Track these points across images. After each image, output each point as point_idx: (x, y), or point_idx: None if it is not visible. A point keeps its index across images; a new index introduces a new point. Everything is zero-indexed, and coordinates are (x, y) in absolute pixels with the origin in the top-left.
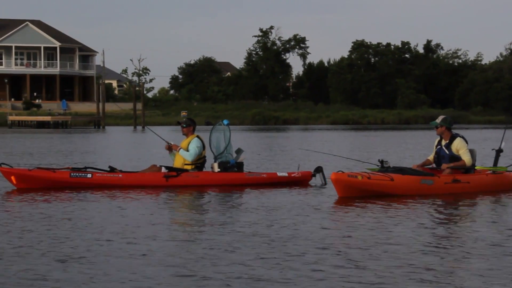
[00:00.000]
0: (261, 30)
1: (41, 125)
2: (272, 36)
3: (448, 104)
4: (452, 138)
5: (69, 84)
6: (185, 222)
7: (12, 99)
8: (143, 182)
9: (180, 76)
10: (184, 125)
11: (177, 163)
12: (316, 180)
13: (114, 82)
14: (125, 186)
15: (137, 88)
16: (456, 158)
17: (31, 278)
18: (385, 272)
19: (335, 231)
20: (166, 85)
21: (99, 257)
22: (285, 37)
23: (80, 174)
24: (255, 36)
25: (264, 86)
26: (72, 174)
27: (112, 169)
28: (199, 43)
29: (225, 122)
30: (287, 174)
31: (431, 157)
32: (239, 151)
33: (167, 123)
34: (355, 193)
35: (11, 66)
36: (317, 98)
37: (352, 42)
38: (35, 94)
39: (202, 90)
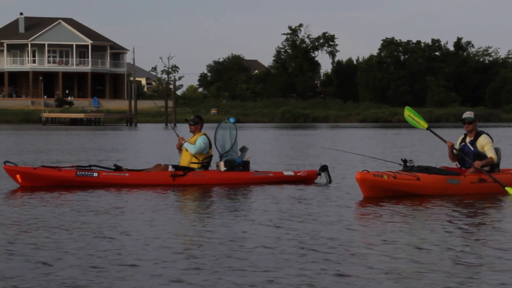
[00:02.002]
0: (290, 28)
1: (74, 122)
2: (301, 34)
3: (479, 102)
4: (477, 134)
5: (100, 82)
6: (197, 220)
7: (45, 96)
8: (150, 181)
9: (209, 74)
10: (192, 123)
11: (183, 161)
12: (322, 178)
13: (143, 80)
14: (132, 185)
15: (169, 86)
16: (481, 155)
17: (42, 273)
18: (413, 277)
19: (362, 233)
20: (195, 82)
21: (110, 253)
22: (314, 35)
23: (86, 173)
24: (284, 34)
25: (293, 83)
26: (78, 173)
27: (118, 168)
28: (227, 40)
29: (232, 120)
30: (293, 173)
31: None
32: (243, 149)
33: None
34: (380, 193)
35: (44, 64)
36: (345, 96)
37: (382, 40)
38: (67, 91)
39: (231, 87)
